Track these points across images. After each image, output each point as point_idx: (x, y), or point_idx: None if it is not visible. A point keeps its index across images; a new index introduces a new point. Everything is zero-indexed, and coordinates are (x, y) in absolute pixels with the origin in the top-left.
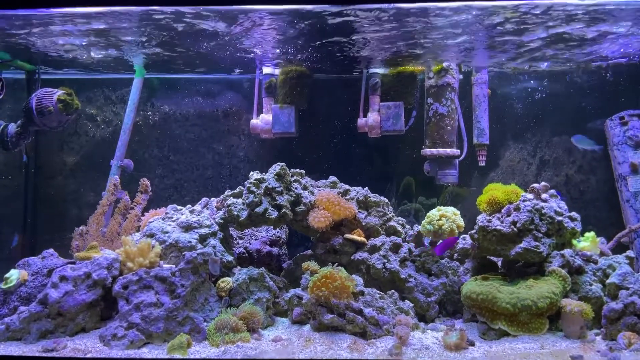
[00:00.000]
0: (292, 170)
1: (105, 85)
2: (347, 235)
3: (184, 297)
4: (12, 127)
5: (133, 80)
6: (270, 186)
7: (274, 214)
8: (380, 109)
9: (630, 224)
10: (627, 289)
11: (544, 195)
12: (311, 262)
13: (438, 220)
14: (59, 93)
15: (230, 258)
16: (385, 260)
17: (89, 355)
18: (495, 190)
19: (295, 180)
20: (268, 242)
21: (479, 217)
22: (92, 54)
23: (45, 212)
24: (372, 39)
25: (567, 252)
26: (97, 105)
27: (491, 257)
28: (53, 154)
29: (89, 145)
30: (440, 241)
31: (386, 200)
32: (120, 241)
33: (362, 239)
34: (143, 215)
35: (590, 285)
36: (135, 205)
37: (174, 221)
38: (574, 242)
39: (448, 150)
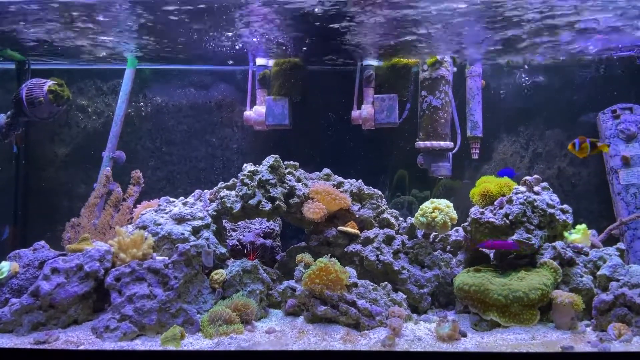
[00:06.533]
0: (285, 162)
1: (97, 75)
2: (341, 228)
3: (177, 289)
4: (2, 118)
5: (125, 70)
6: (263, 178)
7: (268, 206)
8: (374, 102)
9: (621, 217)
10: (618, 280)
11: (536, 188)
12: (305, 254)
13: (431, 212)
14: (49, 83)
15: (223, 250)
16: (379, 252)
17: (81, 347)
18: (488, 183)
19: (289, 173)
20: (261, 235)
21: (472, 210)
22: (84, 43)
23: (36, 204)
24: (366, 31)
25: (558, 244)
26: (89, 96)
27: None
28: (44, 146)
29: (80, 136)
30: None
31: (380, 193)
32: (112, 233)
33: (356, 231)
34: (135, 207)
35: (581, 277)
36: (127, 197)
37: (166, 213)
38: (566, 234)
39: (441, 142)
